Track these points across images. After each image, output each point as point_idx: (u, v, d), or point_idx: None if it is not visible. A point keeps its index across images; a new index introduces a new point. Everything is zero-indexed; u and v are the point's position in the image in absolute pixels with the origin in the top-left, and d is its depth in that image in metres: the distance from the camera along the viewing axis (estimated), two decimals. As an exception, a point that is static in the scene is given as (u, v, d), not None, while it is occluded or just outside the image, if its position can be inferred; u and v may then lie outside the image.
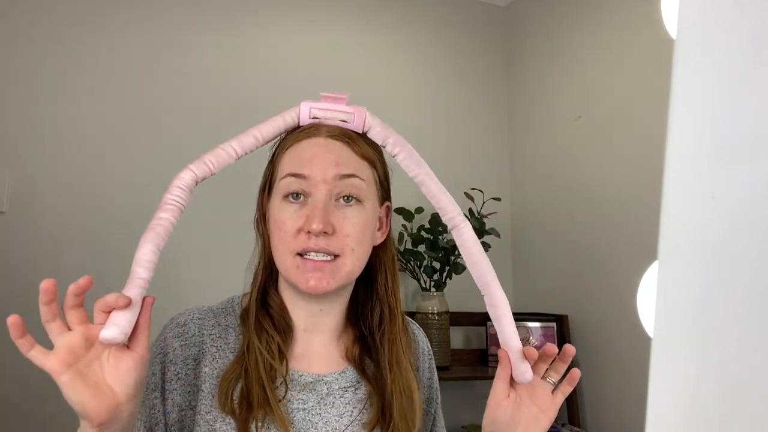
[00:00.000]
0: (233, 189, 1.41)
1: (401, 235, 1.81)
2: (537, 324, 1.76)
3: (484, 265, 0.68)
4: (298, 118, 0.70)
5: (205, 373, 0.70)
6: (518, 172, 2.11)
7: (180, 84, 1.75)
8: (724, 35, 0.26)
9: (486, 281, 0.68)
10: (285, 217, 0.68)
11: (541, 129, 2.00)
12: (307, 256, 0.67)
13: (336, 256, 0.67)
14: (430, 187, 0.69)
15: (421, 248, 1.78)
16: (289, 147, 0.70)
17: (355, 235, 0.68)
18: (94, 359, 0.54)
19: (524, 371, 0.66)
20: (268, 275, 0.75)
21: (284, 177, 0.68)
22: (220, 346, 0.72)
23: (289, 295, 0.74)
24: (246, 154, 0.68)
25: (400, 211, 1.75)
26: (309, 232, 0.66)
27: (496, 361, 0.63)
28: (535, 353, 0.67)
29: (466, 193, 1.78)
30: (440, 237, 1.76)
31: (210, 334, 0.72)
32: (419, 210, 1.79)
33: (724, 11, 0.26)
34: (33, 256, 1.54)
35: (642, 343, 1.41)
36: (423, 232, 1.79)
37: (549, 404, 0.69)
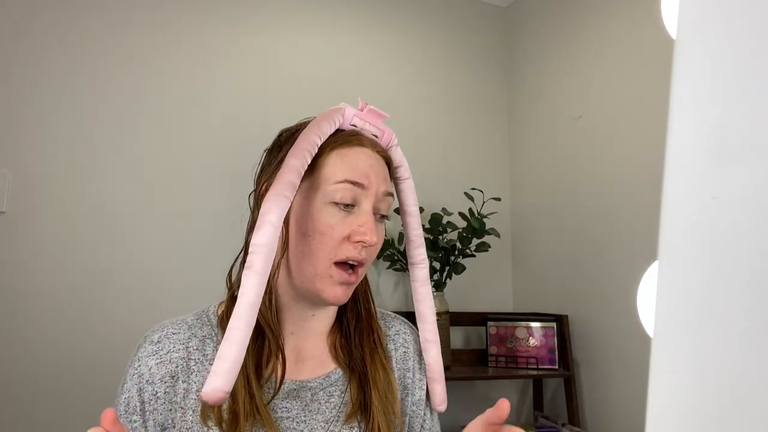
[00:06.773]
0: (223, 189, 1.40)
1: (401, 235, 1.81)
2: (537, 324, 1.76)
3: (428, 302, 0.78)
4: (342, 120, 0.69)
5: (183, 388, 0.67)
6: (518, 172, 2.11)
7: (181, 84, 1.75)
8: (724, 35, 0.26)
9: (427, 320, 0.77)
10: (333, 222, 0.67)
11: (541, 129, 2.00)
12: (339, 266, 0.68)
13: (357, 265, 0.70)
14: (414, 223, 0.77)
15: (421, 248, 1.78)
16: (335, 149, 0.68)
17: (378, 248, 0.71)
18: None
19: (441, 402, 0.77)
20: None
21: (340, 182, 0.67)
22: (199, 359, 0.69)
23: (282, 296, 0.72)
24: None
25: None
26: (359, 242, 0.67)
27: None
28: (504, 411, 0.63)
29: (466, 193, 1.78)
30: (440, 237, 1.76)
31: (187, 348, 0.69)
32: (419, 210, 1.79)
33: (724, 11, 0.26)
34: (33, 256, 1.54)
35: (642, 343, 1.41)
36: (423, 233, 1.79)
37: None
